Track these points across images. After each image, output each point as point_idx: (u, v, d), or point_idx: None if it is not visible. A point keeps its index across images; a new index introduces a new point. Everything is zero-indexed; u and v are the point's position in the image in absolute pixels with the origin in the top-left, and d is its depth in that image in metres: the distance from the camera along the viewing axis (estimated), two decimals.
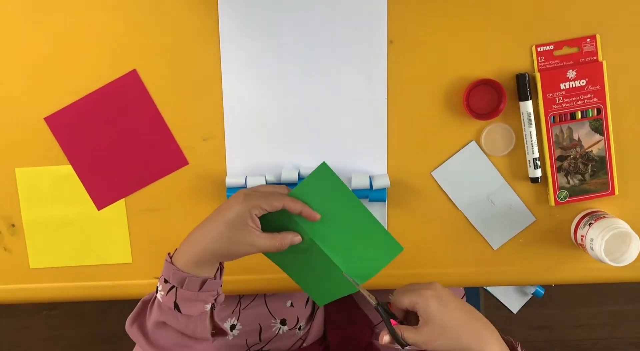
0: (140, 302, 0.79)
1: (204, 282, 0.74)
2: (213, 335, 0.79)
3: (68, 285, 0.97)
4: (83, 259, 0.96)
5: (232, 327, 0.99)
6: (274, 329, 1.01)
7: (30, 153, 0.93)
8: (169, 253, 0.78)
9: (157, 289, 0.76)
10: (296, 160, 0.94)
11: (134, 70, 0.91)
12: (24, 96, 0.92)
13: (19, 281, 0.97)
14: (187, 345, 0.75)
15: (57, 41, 0.91)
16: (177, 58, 0.91)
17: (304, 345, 1.03)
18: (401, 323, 0.77)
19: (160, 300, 0.74)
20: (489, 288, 1.83)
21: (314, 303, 1.05)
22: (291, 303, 1.02)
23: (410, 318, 0.78)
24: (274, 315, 1.01)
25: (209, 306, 0.75)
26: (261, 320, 1.00)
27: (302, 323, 1.02)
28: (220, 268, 0.78)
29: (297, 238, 0.77)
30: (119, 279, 0.97)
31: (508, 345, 0.78)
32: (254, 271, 0.96)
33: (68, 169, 0.93)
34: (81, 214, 0.94)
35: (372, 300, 0.79)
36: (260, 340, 1.00)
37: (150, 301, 0.78)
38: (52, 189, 0.94)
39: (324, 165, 0.77)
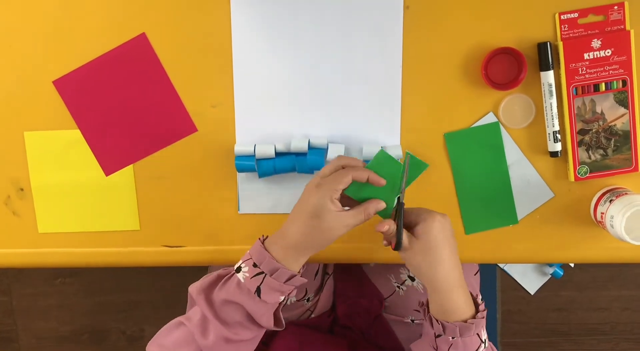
0: (215, 274, 0.80)
1: (292, 276, 0.76)
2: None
3: (76, 251, 0.97)
4: (91, 225, 0.96)
5: None
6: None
7: (39, 116, 0.92)
8: (260, 238, 0.79)
9: (238, 268, 0.77)
10: (307, 129, 0.91)
11: (143, 34, 0.89)
12: (32, 59, 0.91)
13: (28, 245, 0.97)
14: (248, 327, 0.77)
15: (66, 3, 0.89)
16: (187, 22, 0.89)
17: (312, 316, 1.02)
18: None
19: (242, 280, 0.75)
20: (506, 268, 1.80)
21: (323, 275, 1.04)
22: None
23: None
24: None
25: (283, 298, 0.77)
26: None
27: (310, 295, 1.01)
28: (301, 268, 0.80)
29: (381, 205, 0.78)
30: (127, 246, 0.96)
31: (473, 299, 0.80)
32: None
33: (77, 134, 0.92)
34: (89, 179, 0.94)
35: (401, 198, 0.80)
36: None
37: (225, 276, 0.78)
38: (60, 153, 0.93)
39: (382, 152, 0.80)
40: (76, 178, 0.94)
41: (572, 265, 1.79)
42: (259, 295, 0.74)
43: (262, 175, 0.91)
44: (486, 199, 0.93)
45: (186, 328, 0.76)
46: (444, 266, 0.76)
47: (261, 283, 0.75)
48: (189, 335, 0.76)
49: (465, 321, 0.76)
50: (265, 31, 0.89)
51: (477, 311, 0.78)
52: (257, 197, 0.93)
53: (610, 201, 0.87)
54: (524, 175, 0.92)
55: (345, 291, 1.04)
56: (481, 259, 0.97)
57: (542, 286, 1.81)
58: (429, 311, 0.79)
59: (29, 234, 0.96)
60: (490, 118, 0.90)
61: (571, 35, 0.86)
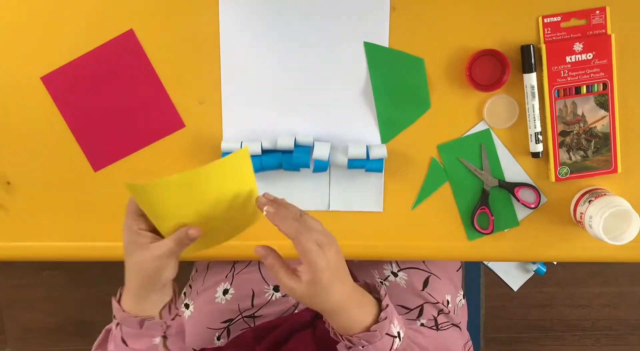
0: (104, 330, 0.82)
1: (142, 322, 0.74)
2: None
3: (63, 245, 0.97)
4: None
5: (225, 292, 0.99)
6: (266, 295, 1.01)
7: (26, 112, 0.93)
8: (120, 288, 0.78)
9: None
10: (293, 127, 0.92)
11: (131, 30, 0.90)
12: (20, 55, 0.91)
13: (15, 239, 0.97)
14: None
15: None
16: (175, 19, 0.90)
17: (296, 311, 1.03)
18: None
19: (114, 333, 0.77)
20: (490, 265, 1.82)
21: None
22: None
23: None
24: (268, 281, 1.01)
25: (157, 340, 0.76)
26: (254, 285, 1.00)
27: None
28: (170, 303, 0.78)
29: (193, 232, 0.69)
30: (115, 240, 0.97)
31: (371, 289, 0.78)
32: (249, 237, 0.96)
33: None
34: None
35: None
36: (252, 305, 1.00)
37: (110, 330, 0.80)
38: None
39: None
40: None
41: (554, 262, 1.82)
42: (126, 345, 0.74)
43: None
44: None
45: None
46: (333, 297, 0.71)
47: (122, 334, 0.75)
48: None
49: (369, 329, 0.74)
50: (253, 29, 0.90)
51: (380, 308, 0.76)
52: None
53: (590, 201, 0.89)
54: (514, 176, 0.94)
55: None
56: (463, 257, 0.98)
57: (525, 282, 1.84)
58: (333, 329, 0.77)
59: (16, 227, 0.97)
60: (481, 126, 0.92)
61: (554, 38, 0.88)
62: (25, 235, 0.97)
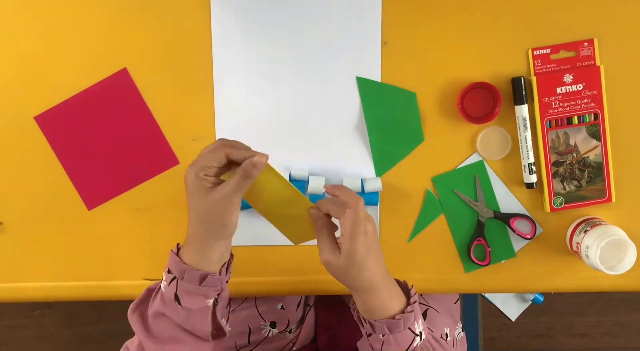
0: (145, 289, 0.78)
1: (204, 276, 0.72)
2: (214, 335, 0.77)
3: (56, 285, 0.96)
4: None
5: None
6: (263, 331, 1.00)
7: (20, 152, 0.92)
8: (177, 244, 0.76)
9: (162, 278, 0.76)
10: (287, 162, 0.92)
11: (125, 69, 0.90)
12: (13, 94, 0.91)
13: (7, 280, 0.96)
14: (182, 339, 0.74)
15: (47, 39, 0.90)
16: (168, 57, 0.90)
17: (294, 348, 1.01)
18: None
19: (163, 290, 0.74)
20: (487, 295, 1.81)
21: (305, 306, 1.04)
22: (282, 306, 1.01)
23: None
24: (264, 317, 1.00)
25: (211, 302, 0.74)
26: (251, 322, 0.99)
27: (292, 326, 1.01)
28: (228, 263, 0.77)
29: (260, 158, 0.69)
30: (107, 279, 0.96)
31: (402, 287, 0.79)
32: (245, 274, 0.95)
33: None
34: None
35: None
36: (249, 342, 0.99)
37: (155, 289, 0.76)
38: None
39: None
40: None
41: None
42: (179, 303, 0.72)
43: (242, 207, 0.91)
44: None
45: None
46: (366, 273, 0.73)
47: (177, 290, 0.72)
48: None
49: (393, 318, 0.74)
50: (246, 65, 0.91)
51: (408, 303, 0.76)
52: (238, 228, 0.93)
53: (585, 231, 0.89)
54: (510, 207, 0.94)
55: (327, 321, 1.04)
56: (461, 289, 0.98)
57: (523, 312, 1.83)
58: (358, 312, 0.77)
59: (8, 268, 0.95)
60: (475, 158, 0.92)
61: (544, 70, 0.89)
62: (18, 276, 0.96)
